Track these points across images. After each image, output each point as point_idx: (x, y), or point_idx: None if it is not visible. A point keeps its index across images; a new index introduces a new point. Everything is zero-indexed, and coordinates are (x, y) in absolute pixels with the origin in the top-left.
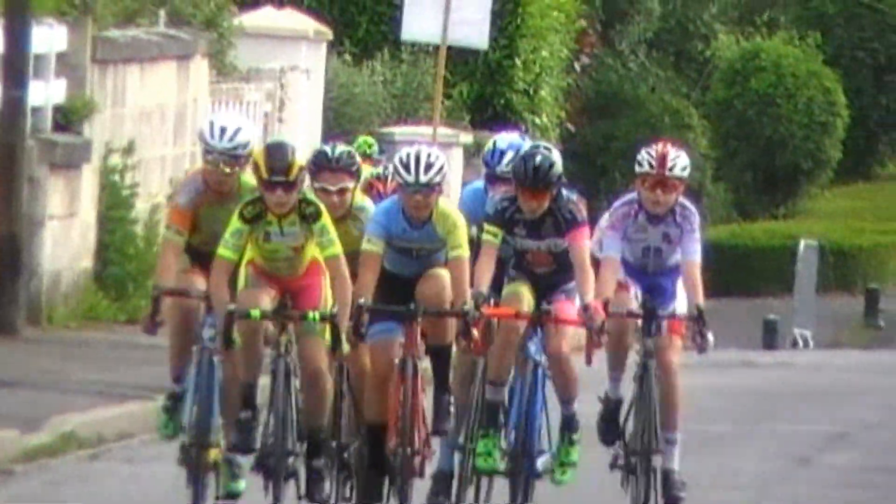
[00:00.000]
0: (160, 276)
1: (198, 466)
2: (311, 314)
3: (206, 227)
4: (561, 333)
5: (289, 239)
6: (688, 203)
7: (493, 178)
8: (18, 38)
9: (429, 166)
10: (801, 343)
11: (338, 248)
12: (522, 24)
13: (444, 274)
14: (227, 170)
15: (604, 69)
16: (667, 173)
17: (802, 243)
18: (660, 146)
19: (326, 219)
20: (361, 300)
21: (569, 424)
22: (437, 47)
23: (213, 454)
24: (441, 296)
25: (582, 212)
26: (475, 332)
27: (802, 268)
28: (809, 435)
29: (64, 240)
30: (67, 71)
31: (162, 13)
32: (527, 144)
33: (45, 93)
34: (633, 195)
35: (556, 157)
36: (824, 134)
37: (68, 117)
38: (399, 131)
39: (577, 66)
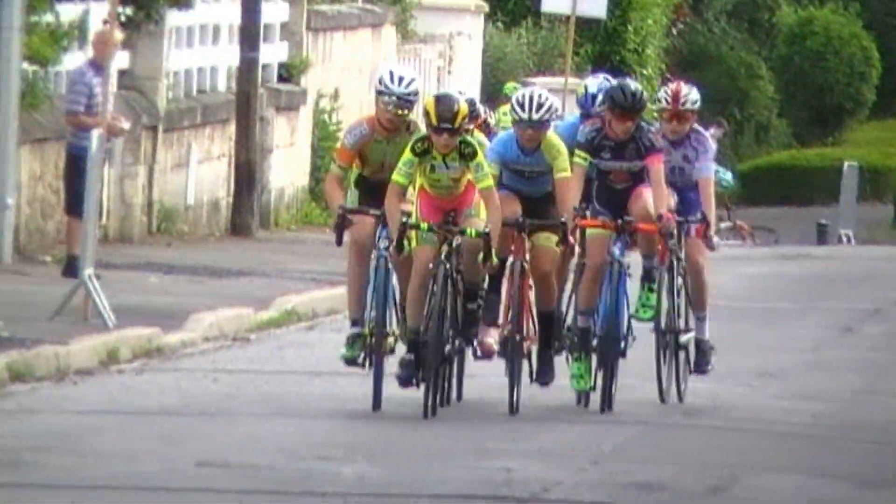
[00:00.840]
0: (332, 201)
1: (378, 351)
2: (469, 231)
3: (374, 160)
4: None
5: (451, 171)
6: (701, 129)
7: (587, 117)
8: (252, 13)
9: (540, 105)
10: (844, 240)
11: (490, 181)
12: (632, 0)
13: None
14: (400, 112)
15: (694, 33)
16: (680, 107)
17: (846, 164)
18: (674, 85)
19: (481, 157)
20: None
21: (648, 276)
22: (568, 17)
23: (390, 342)
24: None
25: (659, 140)
26: (571, 239)
27: (846, 183)
28: (851, 310)
29: (286, 163)
30: (288, 36)
31: None
32: (614, 82)
33: (272, 53)
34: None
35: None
36: (862, 81)
37: (289, 72)
38: (539, 81)
39: (674, 30)
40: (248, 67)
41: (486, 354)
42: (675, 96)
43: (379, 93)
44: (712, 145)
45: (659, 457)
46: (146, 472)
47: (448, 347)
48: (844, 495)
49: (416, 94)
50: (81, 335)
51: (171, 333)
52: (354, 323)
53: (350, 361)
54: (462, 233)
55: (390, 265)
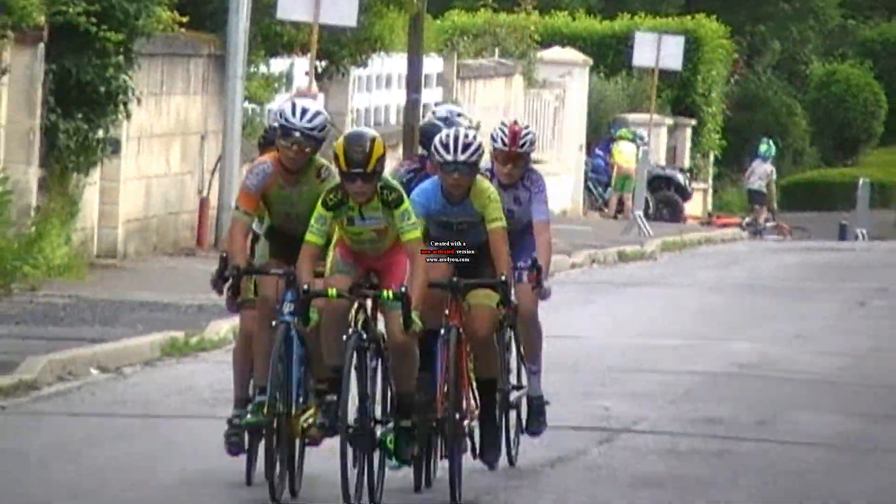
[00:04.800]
0: (233, 255)
1: (277, 435)
2: (384, 293)
3: (278, 209)
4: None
5: (370, 223)
6: (535, 169)
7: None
8: (415, 66)
9: (466, 146)
10: (860, 237)
11: (418, 233)
12: (701, 56)
13: (490, 309)
14: (305, 149)
15: (747, 81)
16: (518, 149)
17: (860, 180)
18: (511, 124)
19: (408, 204)
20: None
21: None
22: (653, 69)
23: (300, 423)
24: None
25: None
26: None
27: (860, 194)
28: (864, 289)
29: None
30: (442, 83)
31: (496, 50)
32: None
33: (430, 95)
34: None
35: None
36: (873, 118)
37: None
38: (631, 117)
39: (732, 79)
40: (412, 106)
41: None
42: (514, 137)
43: (280, 128)
44: (545, 185)
45: (719, 398)
46: None
47: (378, 432)
48: (861, 428)
49: (322, 129)
50: None
51: None
52: (262, 391)
53: (254, 428)
54: (377, 296)
55: (293, 332)
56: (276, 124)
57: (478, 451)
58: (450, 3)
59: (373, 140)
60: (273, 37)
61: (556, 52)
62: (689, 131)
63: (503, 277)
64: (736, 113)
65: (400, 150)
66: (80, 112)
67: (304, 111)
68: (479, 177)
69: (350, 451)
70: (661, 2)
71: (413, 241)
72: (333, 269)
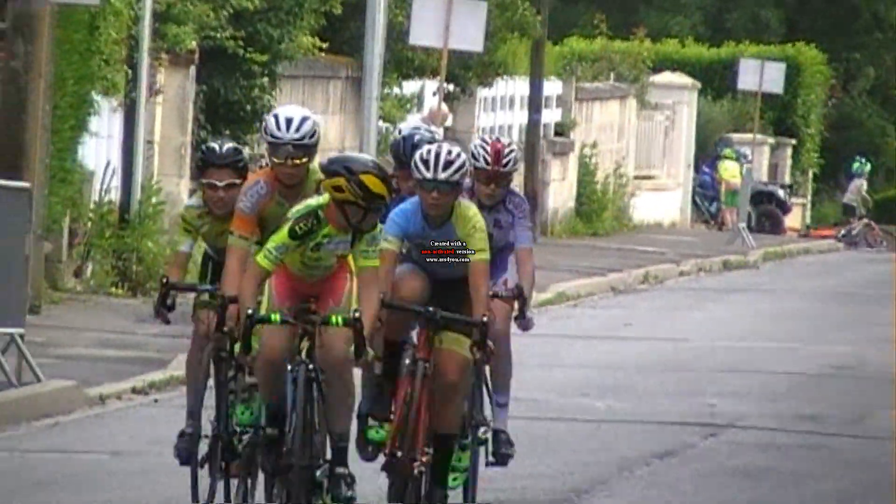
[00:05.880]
0: (225, 285)
1: (220, 467)
2: (333, 318)
3: (274, 227)
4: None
5: (339, 247)
6: (517, 192)
7: (401, 165)
8: (536, 88)
9: (448, 164)
10: None
11: (377, 261)
12: (801, 80)
13: (463, 356)
14: (298, 161)
15: (843, 104)
16: (501, 168)
17: None
18: (494, 142)
19: (379, 228)
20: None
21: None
22: (756, 92)
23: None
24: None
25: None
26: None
27: None
28: None
29: (559, 192)
30: (562, 104)
31: (612, 74)
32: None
33: (550, 116)
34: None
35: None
36: None
37: (562, 129)
38: (735, 137)
39: (829, 103)
40: (533, 125)
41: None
42: (497, 156)
43: (269, 144)
44: (528, 208)
45: (816, 397)
46: None
47: (318, 472)
48: None
49: (311, 134)
50: None
51: None
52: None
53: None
54: (325, 322)
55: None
56: (215, 144)
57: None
58: (569, 31)
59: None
60: (405, 61)
61: (666, 77)
62: (789, 150)
63: (485, 319)
64: (833, 133)
65: (522, 167)
66: (227, 129)
67: (288, 121)
68: (465, 201)
69: (284, 493)
70: (764, 30)
71: (372, 268)
72: (270, 306)
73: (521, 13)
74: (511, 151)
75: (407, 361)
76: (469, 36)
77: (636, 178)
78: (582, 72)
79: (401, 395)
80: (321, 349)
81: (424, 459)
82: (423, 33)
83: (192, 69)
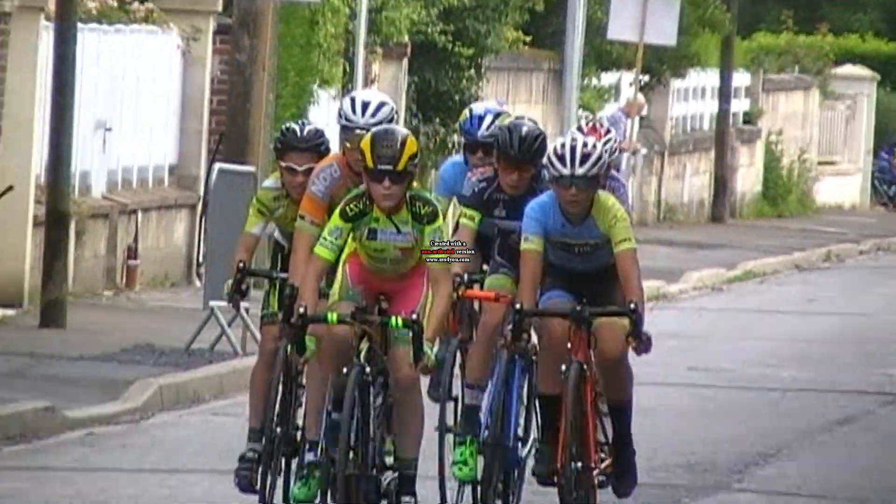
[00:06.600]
0: (292, 273)
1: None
2: (392, 319)
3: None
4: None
5: (396, 238)
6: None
7: (473, 147)
8: (726, 80)
9: (585, 157)
10: None
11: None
12: None
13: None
14: None
15: None
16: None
17: None
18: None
19: (441, 222)
20: (518, 304)
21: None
22: None
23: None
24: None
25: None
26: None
27: None
28: None
29: (746, 177)
30: (749, 94)
31: (796, 67)
32: (507, 117)
33: (738, 105)
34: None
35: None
36: None
37: (750, 117)
38: None
39: None
40: (723, 115)
41: None
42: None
43: (343, 128)
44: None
45: None
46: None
47: (385, 480)
48: None
49: (388, 120)
50: None
51: (671, 284)
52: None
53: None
54: (384, 324)
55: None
56: (295, 126)
57: (613, 485)
58: (756, 26)
59: (404, 137)
60: (603, 54)
61: (847, 69)
62: None
63: (633, 305)
64: None
65: (712, 154)
66: (437, 117)
67: (365, 105)
68: (603, 192)
69: None
70: None
71: (442, 266)
72: (342, 293)
73: (712, 10)
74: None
75: (562, 369)
76: (664, 30)
77: (819, 163)
78: (768, 64)
79: (564, 411)
80: (392, 369)
81: (603, 466)
82: (620, 28)
83: (405, 62)
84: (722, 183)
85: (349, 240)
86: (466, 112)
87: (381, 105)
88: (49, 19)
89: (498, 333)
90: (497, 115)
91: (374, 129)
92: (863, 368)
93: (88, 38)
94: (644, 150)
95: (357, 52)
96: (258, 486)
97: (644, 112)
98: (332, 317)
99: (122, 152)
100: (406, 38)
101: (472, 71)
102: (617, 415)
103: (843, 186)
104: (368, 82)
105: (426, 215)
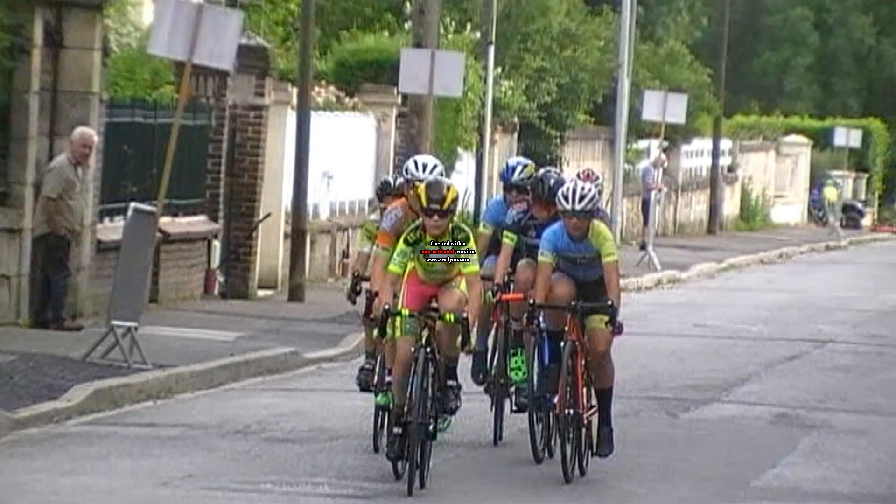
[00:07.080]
0: (372, 283)
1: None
2: (447, 316)
3: None
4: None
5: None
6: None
7: (509, 188)
8: (716, 144)
9: (581, 198)
10: None
11: (476, 267)
12: (872, 141)
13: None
14: None
15: None
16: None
17: None
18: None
19: (473, 242)
20: (532, 300)
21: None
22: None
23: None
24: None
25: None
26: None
27: None
28: None
29: (730, 204)
30: (731, 154)
31: (760, 137)
32: (532, 167)
33: (724, 160)
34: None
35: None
36: None
37: (731, 168)
38: (834, 172)
39: (888, 153)
40: (714, 167)
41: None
42: (575, 197)
43: (407, 181)
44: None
45: (883, 324)
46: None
47: (432, 426)
48: None
49: (441, 175)
50: None
51: (683, 273)
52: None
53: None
54: (441, 318)
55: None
56: (390, 179)
57: (594, 447)
58: (735, 111)
59: (449, 185)
60: (639, 128)
61: (792, 138)
62: (864, 180)
63: (611, 302)
64: (891, 170)
65: (708, 190)
66: None
67: (424, 165)
68: (596, 221)
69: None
70: (849, 110)
71: (472, 272)
72: (402, 315)
73: (708, 100)
74: (591, 196)
75: (562, 344)
76: (677, 114)
77: (775, 196)
78: (743, 135)
79: (563, 370)
80: (437, 341)
81: (591, 412)
82: (650, 112)
83: (515, 134)
84: (714, 209)
85: (410, 258)
86: (504, 164)
87: (435, 166)
88: (293, 108)
89: (530, 287)
90: (525, 166)
91: (427, 179)
92: (803, 325)
93: (317, 120)
94: (665, 189)
95: (485, 128)
96: (372, 386)
97: (665, 165)
98: (405, 311)
99: (339, 191)
100: (516, 120)
101: (557, 140)
102: (601, 397)
103: (790, 211)
104: (492, 146)
105: (462, 239)
